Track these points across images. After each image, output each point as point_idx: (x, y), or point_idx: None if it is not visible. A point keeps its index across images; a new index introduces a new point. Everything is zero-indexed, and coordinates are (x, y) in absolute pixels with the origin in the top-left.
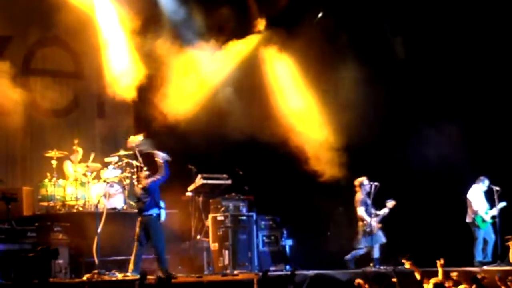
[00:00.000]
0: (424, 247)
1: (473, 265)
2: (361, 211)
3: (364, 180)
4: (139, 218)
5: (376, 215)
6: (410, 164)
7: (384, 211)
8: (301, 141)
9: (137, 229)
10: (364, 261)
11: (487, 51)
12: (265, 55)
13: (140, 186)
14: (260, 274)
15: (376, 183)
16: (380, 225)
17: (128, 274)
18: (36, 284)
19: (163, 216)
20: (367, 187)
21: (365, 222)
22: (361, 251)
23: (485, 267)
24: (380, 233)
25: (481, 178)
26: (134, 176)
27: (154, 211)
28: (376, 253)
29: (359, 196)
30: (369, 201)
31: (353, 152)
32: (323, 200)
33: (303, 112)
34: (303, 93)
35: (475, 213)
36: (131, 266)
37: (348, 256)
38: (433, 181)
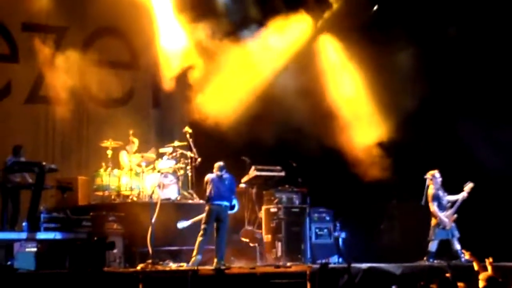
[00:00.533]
0: (479, 242)
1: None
2: (433, 207)
3: (435, 172)
4: (211, 207)
5: (452, 206)
6: (465, 157)
7: (463, 195)
8: (353, 134)
9: (208, 218)
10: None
11: None
12: (318, 46)
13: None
14: (318, 266)
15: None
16: (454, 217)
17: (183, 264)
18: (90, 273)
19: (235, 209)
20: (439, 180)
21: (437, 218)
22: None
23: None
24: (454, 227)
25: None
26: (188, 167)
27: (229, 202)
28: (456, 246)
29: (431, 190)
30: (441, 194)
31: (405, 146)
32: (376, 193)
33: (355, 104)
34: (356, 85)
35: None
36: (195, 254)
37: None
38: (488, 175)
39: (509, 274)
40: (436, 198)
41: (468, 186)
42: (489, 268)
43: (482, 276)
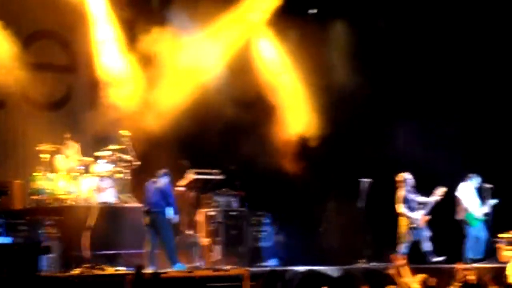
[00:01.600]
0: (415, 243)
1: (464, 263)
2: (400, 208)
3: (406, 174)
4: (146, 215)
5: (423, 207)
6: (397, 161)
7: (435, 199)
8: (288, 132)
9: (147, 226)
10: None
11: (475, 48)
12: (256, 42)
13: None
14: (250, 269)
15: (368, 180)
16: (427, 218)
17: (120, 268)
18: (27, 278)
19: (170, 213)
20: (410, 182)
21: (408, 219)
22: (405, 245)
23: (475, 265)
24: (425, 227)
25: (472, 175)
26: (126, 171)
27: (161, 208)
28: (427, 247)
29: (400, 192)
30: (410, 196)
31: (342, 146)
32: (314, 196)
33: (290, 102)
34: (292, 83)
35: (467, 210)
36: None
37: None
38: (423, 178)
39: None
40: (405, 200)
41: (441, 190)
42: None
43: (417, 279)
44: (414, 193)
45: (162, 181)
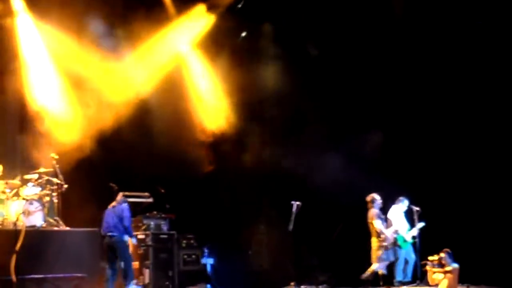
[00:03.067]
0: (344, 266)
1: (393, 285)
2: (378, 224)
3: (374, 195)
4: (103, 240)
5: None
6: (332, 184)
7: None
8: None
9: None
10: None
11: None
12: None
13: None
14: None
15: (298, 203)
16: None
17: None
18: None
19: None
20: (379, 202)
21: (382, 236)
22: (382, 266)
23: (404, 287)
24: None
25: (401, 198)
26: (54, 194)
27: (120, 231)
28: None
29: (373, 211)
30: (382, 216)
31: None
32: (244, 219)
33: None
34: (224, 108)
35: (397, 232)
36: None
37: (364, 275)
38: (353, 199)
39: None
40: (379, 217)
41: None
42: None
43: None
44: (382, 215)
45: (121, 206)
